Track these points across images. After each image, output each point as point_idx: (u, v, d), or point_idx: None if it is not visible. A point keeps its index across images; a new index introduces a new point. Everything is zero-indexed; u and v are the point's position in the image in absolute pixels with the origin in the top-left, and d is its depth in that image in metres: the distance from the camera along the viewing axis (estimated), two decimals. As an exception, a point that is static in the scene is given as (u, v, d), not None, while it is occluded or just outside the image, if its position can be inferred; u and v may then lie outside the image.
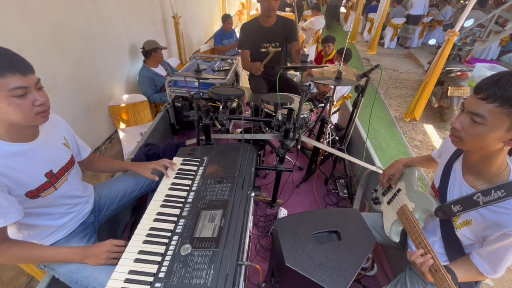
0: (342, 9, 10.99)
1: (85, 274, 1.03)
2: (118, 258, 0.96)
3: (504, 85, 0.74)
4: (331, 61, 3.89)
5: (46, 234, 1.09)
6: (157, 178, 1.31)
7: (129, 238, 1.02)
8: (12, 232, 1.04)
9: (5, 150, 0.89)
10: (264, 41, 2.31)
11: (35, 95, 0.87)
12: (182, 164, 1.41)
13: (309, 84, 1.53)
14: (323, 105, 2.02)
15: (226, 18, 4.66)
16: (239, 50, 2.47)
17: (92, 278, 1.02)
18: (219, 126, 1.68)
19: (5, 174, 0.87)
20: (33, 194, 0.97)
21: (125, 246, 1.00)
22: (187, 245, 0.94)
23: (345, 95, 3.06)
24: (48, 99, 0.92)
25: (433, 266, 0.89)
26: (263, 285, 1.10)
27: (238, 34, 5.67)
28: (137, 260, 0.94)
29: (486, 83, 0.79)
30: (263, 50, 2.34)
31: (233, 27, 4.88)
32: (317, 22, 5.39)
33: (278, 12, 2.33)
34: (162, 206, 1.16)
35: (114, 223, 1.64)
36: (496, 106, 0.76)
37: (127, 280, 0.88)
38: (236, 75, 2.86)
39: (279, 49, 2.33)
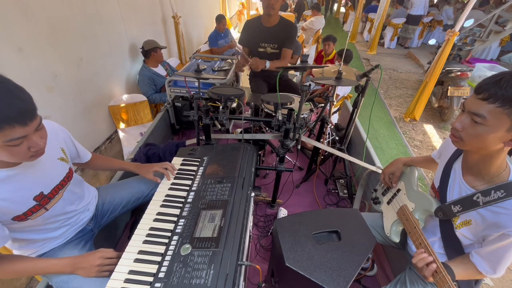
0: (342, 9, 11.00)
1: (75, 286, 1.01)
2: (111, 271, 0.92)
3: (505, 85, 0.74)
4: (331, 61, 3.89)
5: (39, 244, 1.07)
6: (159, 181, 1.28)
7: (129, 238, 1.02)
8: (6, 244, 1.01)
9: None
10: (263, 41, 2.30)
11: (32, 140, 0.81)
12: (182, 164, 1.41)
13: (309, 84, 1.53)
14: (323, 105, 2.02)
15: (221, 19, 4.63)
16: (238, 50, 2.48)
17: None
18: (219, 126, 1.68)
19: None
20: (21, 218, 0.92)
21: (117, 258, 0.96)
22: (187, 245, 0.94)
23: (345, 95, 3.06)
24: (46, 140, 0.87)
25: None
26: (263, 285, 1.10)
27: (235, 34, 5.66)
28: (137, 260, 0.94)
29: (487, 83, 0.78)
30: (260, 49, 2.33)
31: (232, 27, 4.86)
32: (317, 22, 5.40)
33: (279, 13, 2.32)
34: (162, 206, 1.16)
35: (114, 223, 1.64)
36: (497, 107, 0.76)
37: (127, 280, 0.88)
38: (236, 75, 2.86)
39: (277, 50, 2.33)
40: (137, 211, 1.82)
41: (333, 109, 2.83)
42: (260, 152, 2.16)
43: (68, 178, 1.08)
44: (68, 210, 1.11)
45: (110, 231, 1.60)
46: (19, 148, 0.79)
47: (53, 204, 1.02)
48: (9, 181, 0.88)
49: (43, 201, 0.97)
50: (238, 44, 4.10)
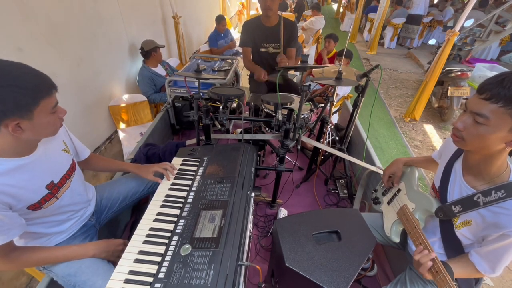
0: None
1: (83, 279, 1.03)
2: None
3: (508, 85, 0.74)
4: (331, 60, 3.89)
5: (46, 239, 1.09)
6: (160, 181, 1.29)
7: (129, 238, 1.02)
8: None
9: (3, 167, 0.86)
10: (265, 41, 2.30)
11: (59, 108, 0.93)
12: (182, 164, 1.40)
13: (309, 84, 1.53)
14: (323, 105, 2.02)
15: (221, 20, 4.63)
16: (239, 49, 2.47)
17: (90, 283, 1.02)
18: (219, 126, 1.68)
19: (5, 192, 0.85)
20: (35, 207, 0.96)
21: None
22: (187, 245, 0.94)
23: (345, 95, 3.06)
24: None
25: (433, 267, 0.89)
26: (263, 285, 1.09)
27: (235, 34, 5.66)
28: (137, 261, 0.94)
29: (489, 83, 0.78)
30: (262, 50, 2.33)
31: (232, 27, 4.87)
32: (317, 22, 5.39)
33: (279, 13, 2.32)
34: (162, 206, 1.16)
35: (114, 223, 1.64)
36: (500, 107, 0.75)
37: (127, 281, 0.87)
38: (236, 75, 2.86)
39: (279, 50, 2.32)
40: (137, 211, 1.83)
41: (333, 109, 2.83)
42: (260, 152, 2.16)
43: (72, 168, 1.12)
44: (77, 201, 1.15)
45: (111, 231, 1.60)
46: (55, 116, 0.91)
47: (62, 193, 1.06)
48: (23, 170, 0.91)
49: (54, 189, 1.01)
50: (238, 47, 4.09)
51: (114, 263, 1.10)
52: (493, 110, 0.77)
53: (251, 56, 2.42)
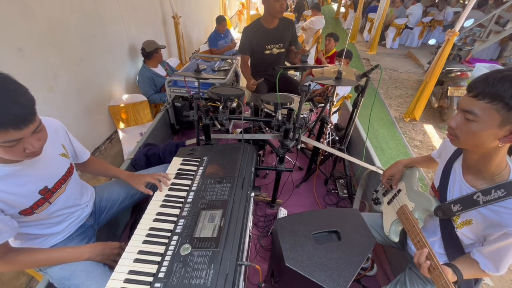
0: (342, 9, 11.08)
1: (76, 282, 1.03)
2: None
3: (492, 82, 0.77)
4: (331, 58, 3.89)
5: (42, 240, 1.09)
6: (151, 193, 1.25)
7: (129, 238, 1.02)
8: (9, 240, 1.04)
9: None
10: (269, 43, 2.30)
11: (28, 142, 0.82)
12: (182, 164, 1.40)
13: (309, 84, 1.53)
14: (323, 105, 2.02)
15: (221, 20, 4.62)
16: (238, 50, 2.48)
17: (84, 287, 1.02)
18: (219, 126, 1.68)
19: None
20: (27, 212, 0.95)
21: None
22: (187, 245, 0.94)
23: (345, 95, 3.06)
24: (43, 142, 0.89)
25: (431, 264, 0.89)
26: (263, 285, 1.10)
27: (235, 34, 5.66)
28: (136, 260, 0.94)
29: (476, 81, 0.81)
30: (267, 52, 2.34)
31: (232, 27, 4.86)
32: (317, 22, 5.39)
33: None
34: (162, 206, 1.16)
35: (113, 223, 1.64)
36: (486, 103, 0.78)
37: (127, 280, 0.88)
38: (236, 75, 2.86)
39: (283, 49, 2.34)
40: (137, 211, 1.83)
41: (333, 109, 2.83)
42: (260, 152, 2.16)
43: (69, 173, 1.11)
44: (71, 204, 1.14)
45: (110, 231, 1.60)
46: (13, 149, 0.81)
47: (56, 198, 1.05)
48: (15, 176, 0.91)
49: (47, 195, 1.00)
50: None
51: (110, 266, 1.09)
52: (480, 107, 0.79)
53: (250, 61, 2.44)
